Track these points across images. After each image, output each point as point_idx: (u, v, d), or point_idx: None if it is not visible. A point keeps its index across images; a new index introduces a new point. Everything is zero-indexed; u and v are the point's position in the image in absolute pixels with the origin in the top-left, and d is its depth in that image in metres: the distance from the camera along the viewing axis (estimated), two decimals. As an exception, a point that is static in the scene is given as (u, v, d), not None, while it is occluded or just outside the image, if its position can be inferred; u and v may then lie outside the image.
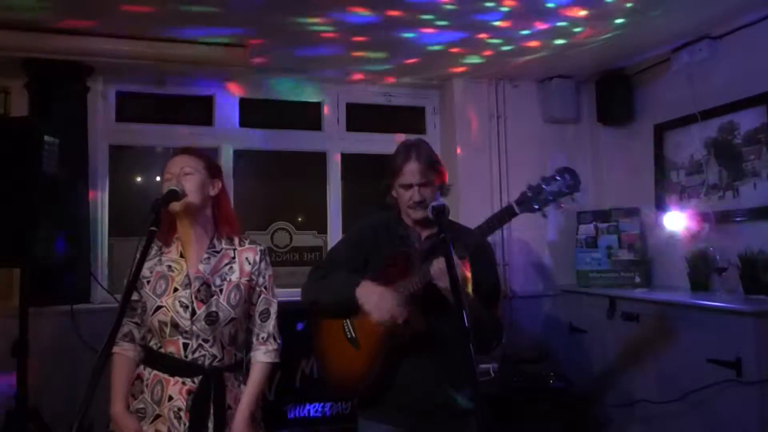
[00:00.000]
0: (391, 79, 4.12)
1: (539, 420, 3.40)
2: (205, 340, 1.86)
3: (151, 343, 1.92)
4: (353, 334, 2.06)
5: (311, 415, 3.59)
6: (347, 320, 2.07)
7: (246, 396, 1.91)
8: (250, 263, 1.97)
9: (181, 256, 1.93)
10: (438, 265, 1.80)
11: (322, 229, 4.25)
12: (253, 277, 1.97)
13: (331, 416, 3.62)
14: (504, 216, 1.89)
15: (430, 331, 1.93)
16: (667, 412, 3.14)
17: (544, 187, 1.83)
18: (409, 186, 2.02)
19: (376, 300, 1.93)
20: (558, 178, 1.82)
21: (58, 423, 2.86)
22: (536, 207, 1.84)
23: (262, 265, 1.99)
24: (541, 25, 3.22)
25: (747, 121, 3.19)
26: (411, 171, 2.01)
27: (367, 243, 2.14)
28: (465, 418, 1.99)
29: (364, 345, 2.02)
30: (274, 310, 2.01)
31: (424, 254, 2.00)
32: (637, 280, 3.74)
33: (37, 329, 3.02)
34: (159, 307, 1.86)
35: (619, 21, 3.19)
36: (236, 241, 2.00)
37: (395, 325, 1.92)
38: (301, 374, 3.60)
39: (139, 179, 4.09)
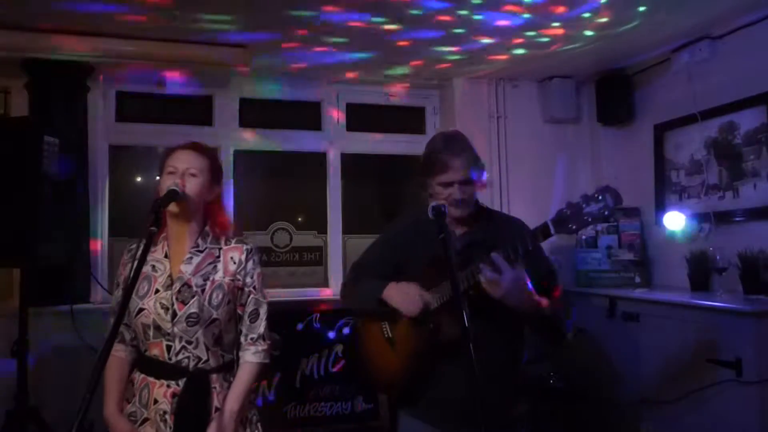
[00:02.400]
0: (391, 80, 4.12)
1: (539, 420, 3.40)
2: (189, 342, 1.81)
3: (139, 346, 1.89)
4: (390, 334, 2.05)
5: (311, 415, 3.59)
6: (384, 322, 2.06)
7: (231, 394, 1.85)
8: (235, 263, 1.91)
9: (166, 256, 1.88)
10: (486, 276, 1.75)
11: (322, 229, 4.25)
12: (239, 276, 1.90)
13: (331, 416, 3.62)
14: (537, 236, 1.77)
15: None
16: (667, 412, 3.14)
17: (584, 206, 1.72)
18: (450, 184, 1.90)
19: (402, 297, 1.91)
20: (600, 198, 1.70)
21: (58, 423, 2.85)
22: (573, 228, 1.73)
23: (249, 264, 1.92)
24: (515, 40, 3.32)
25: (747, 121, 3.19)
26: (454, 168, 1.89)
27: (401, 245, 2.10)
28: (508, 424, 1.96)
29: (399, 345, 2.01)
30: (264, 310, 1.94)
31: (457, 253, 1.93)
32: (637, 280, 3.75)
33: (37, 329, 3.02)
34: (141, 310, 1.82)
35: (589, 34, 3.27)
36: (222, 240, 1.94)
37: (428, 325, 1.89)
38: (301, 374, 3.61)
39: (139, 179, 4.09)
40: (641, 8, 3.00)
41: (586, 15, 3.06)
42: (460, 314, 1.47)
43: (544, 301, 1.86)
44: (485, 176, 2.00)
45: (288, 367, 3.57)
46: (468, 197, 1.93)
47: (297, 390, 3.58)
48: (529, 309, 1.82)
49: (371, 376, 2.16)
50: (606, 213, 1.70)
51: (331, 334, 3.65)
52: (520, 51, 3.58)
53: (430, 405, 1.99)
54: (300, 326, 3.64)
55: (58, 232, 2.87)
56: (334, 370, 3.65)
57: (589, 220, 1.71)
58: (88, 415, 1.35)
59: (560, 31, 3.26)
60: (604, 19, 3.10)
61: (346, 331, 3.67)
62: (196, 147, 1.93)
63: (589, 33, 3.31)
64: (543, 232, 1.76)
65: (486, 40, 3.40)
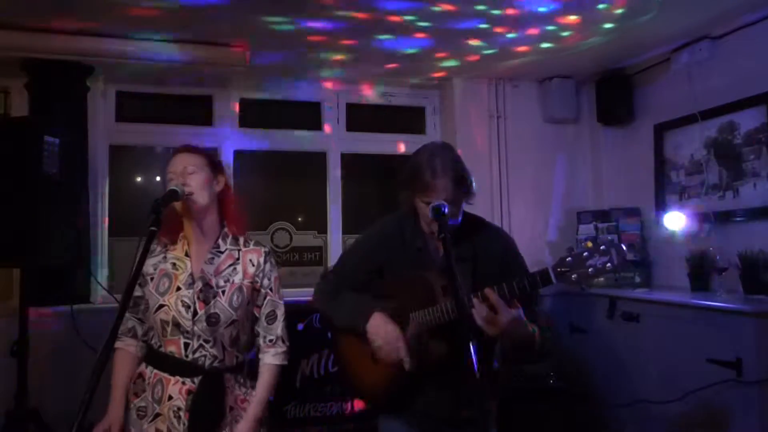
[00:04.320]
0: (390, 80, 4.13)
1: (539, 420, 3.40)
2: (206, 341, 1.85)
3: (152, 342, 1.92)
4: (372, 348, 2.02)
5: (311, 415, 3.59)
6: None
7: (256, 399, 1.90)
8: (254, 265, 1.95)
9: (186, 254, 1.92)
10: (482, 313, 1.71)
11: (322, 229, 4.25)
12: (257, 279, 1.94)
13: (331, 416, 3.62)
14: (537, 281, 1.73)
15: (453, 358, 1.83)
16: (667, 412, 3.14)
17: (585, 256, 1.68)
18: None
19: (383, 341, 1.87)
20: (604, 249, 1.67)
21: (58, 423, 2.85)
22: (574, 278, 1.69)
23: (267, 267, 1.97)
24: (531, 31, 3.25)
25: (747, 121, 3.19)
26: (438, 188, 1.83)
27: (380, 252, 2.06)
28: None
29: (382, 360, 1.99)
30: (281, 312, 1.99)
31: (443, 270, 1.89)
32: (637, 280, 3.74)
33: (37, 329, 3.02)
34: (161, 306, 1.85)
35: (608, 26, 3.22)
36: (241, 241, 1.98)
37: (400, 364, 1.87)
38: (301, 374, 3.60)
39: (139, 179, 4.09)
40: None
41: (602, 6, 2.97)
42: (462, 319, 1.46)
43: (537, 331, 1.84)
44: (473, 190, 1.95)
45: (288, 367, 3.53)
46: (451, 216, 1.87)
47: (297, 390, 3.58)
48: (523, 343, 1.81)
49: (351, 385, 2.15)
50: (609, 266, 1.66)
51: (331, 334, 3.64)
52: (547, 45, 3.50)
53: (411, 414, 2.00)
54: (300, 326, 3.63)
55: (58, 232, 2.86)
56: (334, 370, 3.64)
57: (592, 272, 1.67)
58: (88, 415, 1.35)
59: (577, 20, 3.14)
60: (620, 11, 3.01)
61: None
62: (187, 148, 1.97)
63: (608, 26, 3.23)
64: (543, 278, 1.73)
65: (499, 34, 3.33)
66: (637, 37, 3.42)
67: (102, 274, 3.66)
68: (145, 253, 1.66)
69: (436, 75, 4.03)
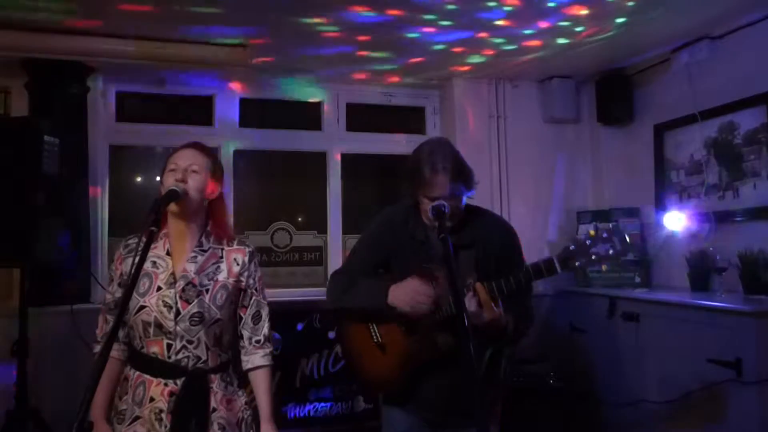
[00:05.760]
0: (394, 79, 4.10)
1: (539, 420, 3.40)
2: (189, 341, 1.81)
3: (134, 343, 1.87)
4: (379, 339, 2.07)
5: (311, 415, 3.59)
6: (372, 325, 2.08)
7: (264, 405, 1.89)
8: (238, 264, 1.91)
9: (168, 253, 1.88)
10: (471, 308, 1.77)
11: (322, 229, 4.25)
12: (242, 278, 1.91)
13: (331, 416, 3.62)
14: (542, 271, 1.77)
15: (458, 350, 1.90)
16: (667, 412, 3.14)
17: (588, 244, 1.73)
18: (436, 199, 1.89)
19: (409, 299, 1.92)
20: (606, 237, 1.72)
21: (58, 423, 2.85)
22: (578, 265, 1.75)
23: (252, 266, 1.93)
24: (542, 24, 3.23)
25: (747, 121, 3.19)
26: (437, 185, 1.88)
27: (387, 239, 2.11)
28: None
29: (390, 350, 2.04)
30: (266, 312, 1.96)
31: (441, 259, 1.93)
32: (637, 280, 3.74)
33: (37, 329, 3.02)
34: (142, 307, 1.80)
35: (620, 20, 3.19)
36: (224, 241, 1.94)
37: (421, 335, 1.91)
38: (301, 374, 3.61)
39: (139, 179, 4.10)
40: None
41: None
42: (460, 317, 1.47)
43: (510, 325, 1.90)
44: (474, 182, 2.00)
45: (288, 367, 3.57)
46: (454, 209, 1.91)
47: (297, 390, 3.58)
48: (493, 336, 1.88)
49: (359, 378, 2.19)
50: (611, 252, 1.71)
51: (331, 334, 3.65)
52: (562, 41, 3.48)
53: (415, 405, 2.05)
54: (300, 326, 3.64)
55: (58, 232, 2.86)
56: (334, 370, 3.65)
57: (595, 258, 1.72)
58: (88, 415, 1.35)
59: (587, 12, 3.09)
60: (631, 3, 2.97)
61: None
62: (197, 146, 1.95)
63: (620, 20, 3.19)
64: (548, 268, 1.76)
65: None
66: (637, 37, 3.41)
67: (102, 274, 3.66)
68: (145, 254, 1.63)
69: (458, 69, 3.97)
